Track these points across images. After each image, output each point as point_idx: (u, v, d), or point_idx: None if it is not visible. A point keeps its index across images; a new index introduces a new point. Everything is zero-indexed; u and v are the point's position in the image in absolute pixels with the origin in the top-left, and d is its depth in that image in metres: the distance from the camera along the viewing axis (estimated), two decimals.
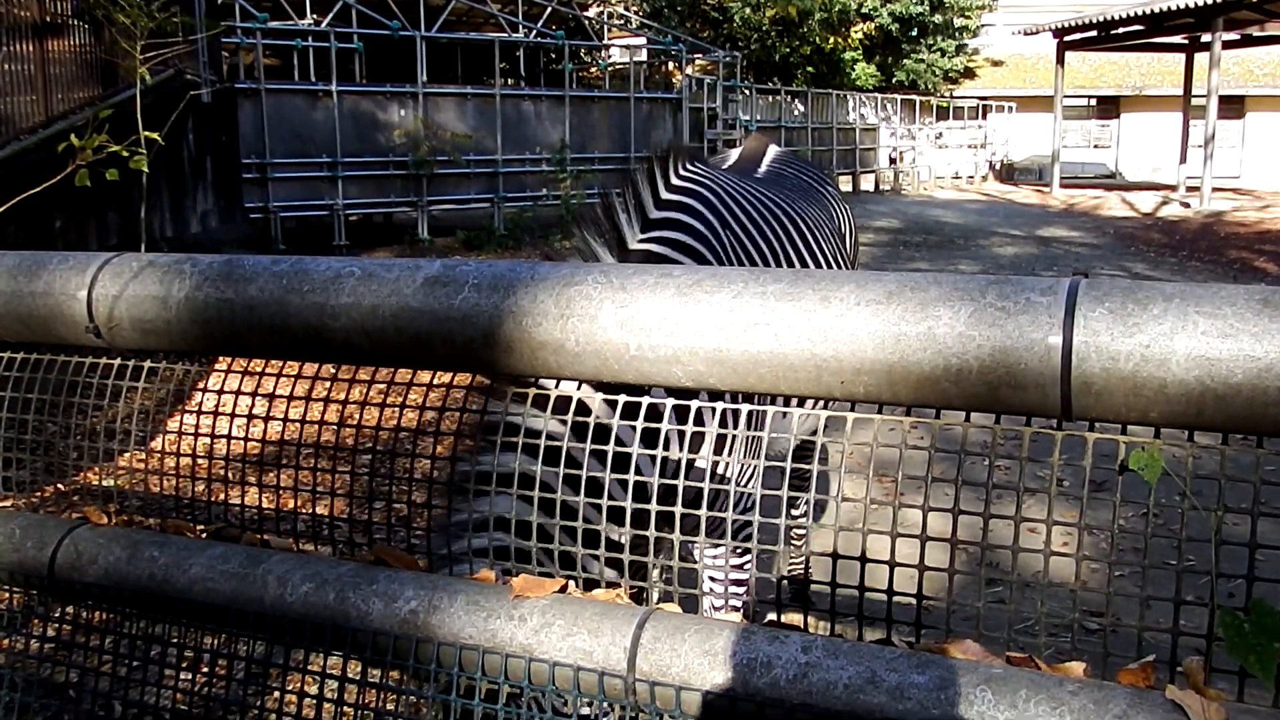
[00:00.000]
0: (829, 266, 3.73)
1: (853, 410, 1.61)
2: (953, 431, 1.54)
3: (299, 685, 1.89)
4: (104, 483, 2.18)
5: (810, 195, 4.13)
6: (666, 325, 1.57)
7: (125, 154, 4.04)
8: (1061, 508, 1.44)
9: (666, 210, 2.90)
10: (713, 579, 2.99)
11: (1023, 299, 1.41)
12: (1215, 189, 27.49)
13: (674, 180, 3.05)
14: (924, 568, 1.54)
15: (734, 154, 4.75)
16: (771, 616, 1.64)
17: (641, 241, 2.74)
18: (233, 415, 2.05)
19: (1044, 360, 1.37)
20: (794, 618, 1.76)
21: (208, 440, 2.07)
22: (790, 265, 3.37)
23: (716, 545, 2.85)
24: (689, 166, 3.19)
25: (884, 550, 1.57)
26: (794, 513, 4.68)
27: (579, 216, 2.74)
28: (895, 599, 1.55)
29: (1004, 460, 5.61)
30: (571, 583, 1.72)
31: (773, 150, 4.65)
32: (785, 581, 4.71)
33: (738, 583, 2.95)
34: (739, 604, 2.86)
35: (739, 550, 2.85)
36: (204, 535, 2.03)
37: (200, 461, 2.13)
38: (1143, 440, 1.39)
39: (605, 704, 1.61)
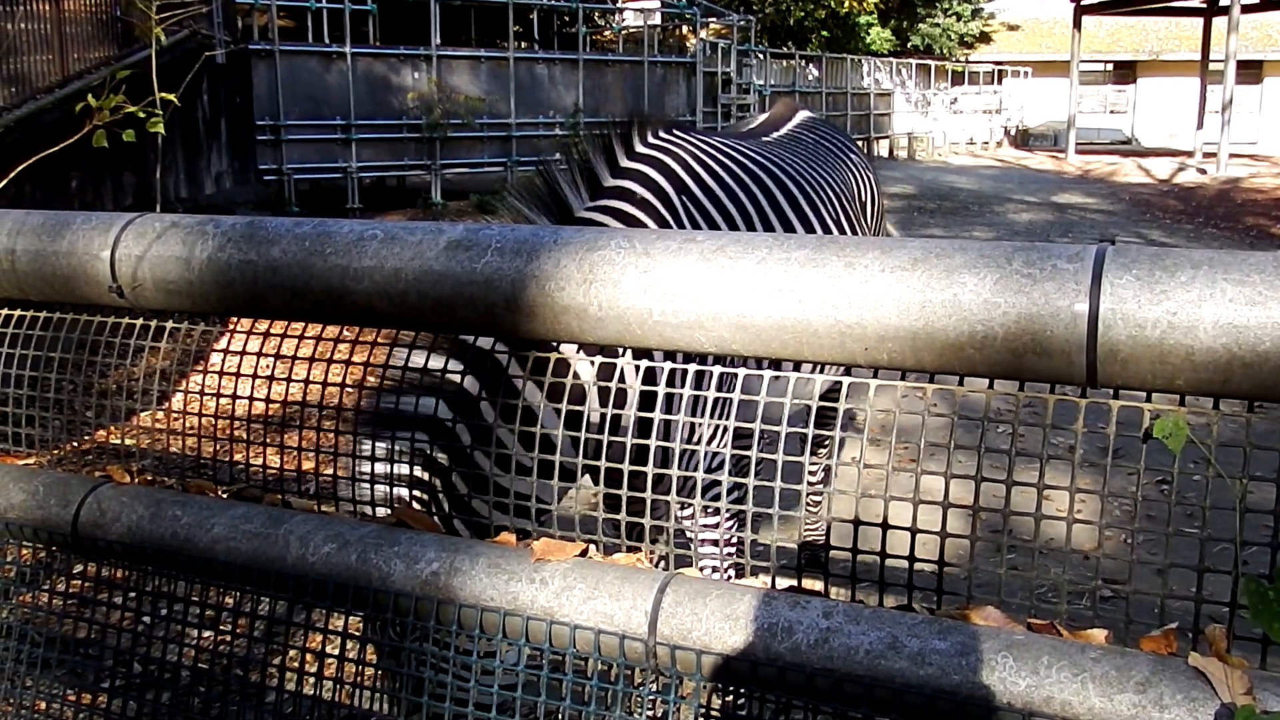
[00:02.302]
0: (828, 231, 3.72)
1: (875, 377, 1.60)
2: (972, 398, 1.54)
3: (319, 644, 1.91)
4: (126, 442, 2.19)
5: (825, 160, 4.11)
6: (690, 291, 1.56)
7: (142, 115, 4.03)
8: (1082, 476, 1.43)
9: (621, 179, 2.93)
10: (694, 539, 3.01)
11: (1049, 266, 1.40)
12: (1232, 155, 27.31)
13: (637, 148, 3.07)
14: (945, 534, 1.54)
15: (759, 118, 4.76)
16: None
17: (588, 210, 2.76)
18: (254, 375, 2.05)
19: (1070, 327, 1.36)
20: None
21: (225, 400, 2.08)
22: (770, 229, 3.36)
23: (685, 506, 2.86)
24: (660, 134, 3.20)
25: (902, 517, 1.57)
26: (810, 479, 4.68)
27: (513, 187, 2.74)
28: (910, 566, 1.55)
29: (1022, 427, 5.60)
30: (592, 547, 1.73)
31: (800, 115, 4.64)
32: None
33: (715, 542, 2.95)
34: (718, 564, 2.88)
35: (709, 510, 2.86)
36: (225, 496, 2.03)
37: (213, 420, 2.14)
38: (1167, 408, 1.38)
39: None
